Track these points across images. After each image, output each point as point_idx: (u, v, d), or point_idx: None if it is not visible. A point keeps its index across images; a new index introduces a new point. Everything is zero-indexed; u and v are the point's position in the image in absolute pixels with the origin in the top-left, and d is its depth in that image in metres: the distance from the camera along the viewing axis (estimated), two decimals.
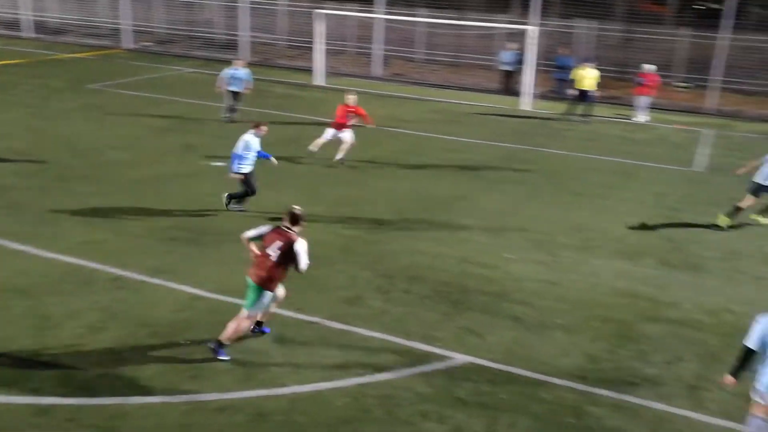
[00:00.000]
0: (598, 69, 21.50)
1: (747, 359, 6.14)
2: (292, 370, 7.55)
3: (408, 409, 7.04)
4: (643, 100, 21.93)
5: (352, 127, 15.22)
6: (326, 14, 25.31)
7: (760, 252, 11.67)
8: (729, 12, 23.08)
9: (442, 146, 17.65)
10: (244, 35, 29.21)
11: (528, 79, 23.14)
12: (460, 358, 7.99)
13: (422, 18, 28.53)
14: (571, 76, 21.67)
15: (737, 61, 24.13)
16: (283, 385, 7.29)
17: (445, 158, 16.47)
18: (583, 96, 21.20)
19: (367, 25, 28.95)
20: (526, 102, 23.09)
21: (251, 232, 7.83)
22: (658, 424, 7.04)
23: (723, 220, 12.71)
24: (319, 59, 25.45)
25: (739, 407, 7.26)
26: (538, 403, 7.25)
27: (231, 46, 29.73)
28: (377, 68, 28.42)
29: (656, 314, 9.32)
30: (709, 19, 24.11)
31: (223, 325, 7.73)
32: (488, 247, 11.25)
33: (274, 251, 7.52)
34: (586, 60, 22.16)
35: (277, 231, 7.63)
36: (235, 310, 8.20)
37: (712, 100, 23.98)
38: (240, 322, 7.69)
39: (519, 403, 7.22)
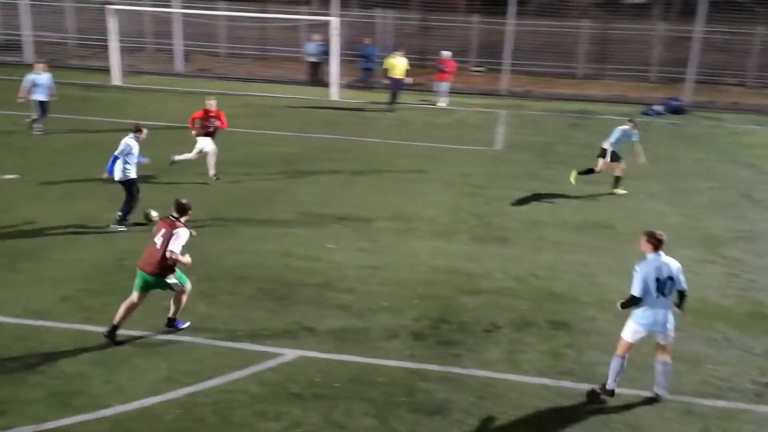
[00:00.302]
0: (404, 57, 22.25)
1: (633, 304, 7.11)
2: (114, 390, 7.12)
3: (243, 411, 6.92)
4: (444, 86, 23.04)
5: (213, 134, 13.92)
6: (118, 10, 23.95)
7: (557, 220, 12.74)
8: None
9: (255, 140, 17.43)
10: (26, 35, 26.89)
11: (334, 69, 23.44)
12: (291, 353, 7.97)
13: (222, 12, 27.88)
14: (384, 66, 22.23)
15: (524, 44, 26.07)
16: (107, 406, 6.85)
17: (258, 152, 16.28)
18: (396, 84, 21.83)
19: (165, 21, 27.78)
20: (334, 92, 23.39)
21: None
22: (483, 390, 7.47)
23: (574, 177, 14.31)
24: (114, 58, 24.06)
25: (550, 366, 7.93)
26: (371, 386, 7.42)
27: (12, 46, 27.24)
28: (179, 64, 27.41)
29: (472, 287, 9.88)
30: (497, 6, 25.75)
31: (33, 350, 7.13)
32: (310, 239, 11.30)
33: (159, 239, 7.77)
34: (395, 49, 22.81)
35: (164, 220, 7.96)
36: (44, 332, 7.60)
37: (504, 82, 25.72)
38: (183, 298, 8.12)
39: (353, 390, 7.34)
